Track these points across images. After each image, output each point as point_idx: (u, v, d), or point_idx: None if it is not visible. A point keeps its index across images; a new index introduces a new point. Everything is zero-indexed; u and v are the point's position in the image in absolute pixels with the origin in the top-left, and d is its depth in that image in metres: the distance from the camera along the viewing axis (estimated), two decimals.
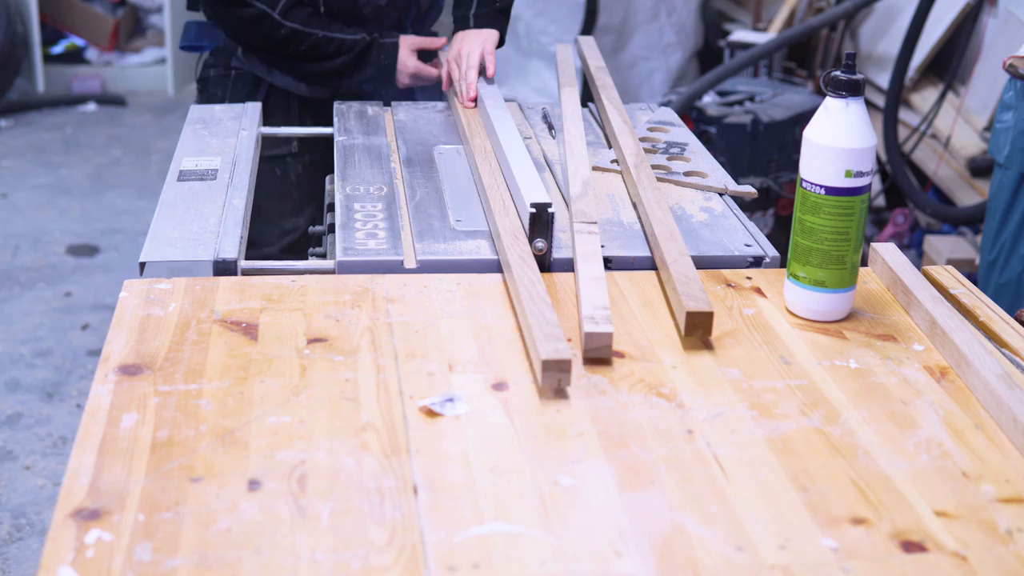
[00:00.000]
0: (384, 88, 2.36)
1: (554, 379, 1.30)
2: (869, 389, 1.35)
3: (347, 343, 1.40)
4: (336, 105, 2.26)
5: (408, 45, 2.32)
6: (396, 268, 1.61)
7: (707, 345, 1.43)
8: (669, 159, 2.01)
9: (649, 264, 1.64)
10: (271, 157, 2.40)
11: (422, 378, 1.33)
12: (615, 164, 1.97)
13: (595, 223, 1.66)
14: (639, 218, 1.76)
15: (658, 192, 1.75)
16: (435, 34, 2.52)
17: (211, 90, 2.45)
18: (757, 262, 1.67)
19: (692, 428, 1.25)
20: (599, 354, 1.38)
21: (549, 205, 1.60)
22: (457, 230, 1.71)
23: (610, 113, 2.08)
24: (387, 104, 2.30)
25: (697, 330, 1.43)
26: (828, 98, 1.45)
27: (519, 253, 1.55)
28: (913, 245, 4.06)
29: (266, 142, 2.34)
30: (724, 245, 1.69)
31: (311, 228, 2.06)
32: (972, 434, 1.27)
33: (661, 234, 1.62)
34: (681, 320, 1.43)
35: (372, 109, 2.25)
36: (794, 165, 3.75)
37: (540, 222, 1.60)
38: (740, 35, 4.72)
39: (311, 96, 2.39)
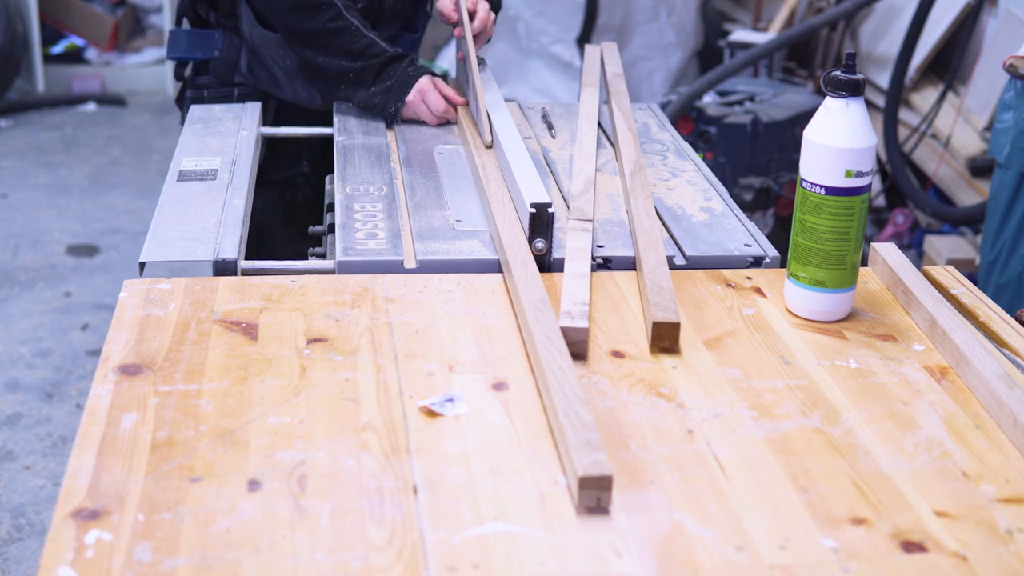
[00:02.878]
0: (386, 110, 2.18)
1: (593, 497, 1.11)
2: (869, 389, 1.35)
3: (347, 343, 1.40)
4: (336, 105, 2.26)
5: (434, 80, 2.18)
6: (396, 268, 1.61)
7: (707, 345, 1.43)
8: None
9: None
10: (282, 181, 2.33)
11: (422, 378, 1.33)
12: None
13: (590, 220, 1.67)
14: (629, 225, 1.76)
15: (648, 200, 1.75)
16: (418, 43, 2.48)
17: None
18: (757, 262, 1.67)
19: (692, 428, 1.25)
20: (574, 348, 1.39)
21: (549, 205, 1.60)
22: (457, 230, 1.71)
23: (616, 119, 2.08)
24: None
25: (664, 340, 1.41)
26: (828, 98, 1.45)
27: (543, 326, 1.38)
28: (913, 245, 4.06)
29: (276, 165, 2.29)
30: (724, 245, 1.69)
31: (311, 228, 2.06)
32: (972, 434, 1.26)
33: (643, 243, 1.61)
34: (648, 329, 1.43)
35: None
36: (794, 165, 3.75)
37: (540, 222, 1.60)
38: (740, 35, 4.72)
39: (323, 109, 2.28)
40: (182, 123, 2.26)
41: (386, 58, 2.16)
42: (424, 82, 2.16)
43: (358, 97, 2.19)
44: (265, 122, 2.30)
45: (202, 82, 2.34)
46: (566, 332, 1.39)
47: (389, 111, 2.16)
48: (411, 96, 2.15)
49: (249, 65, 2.29)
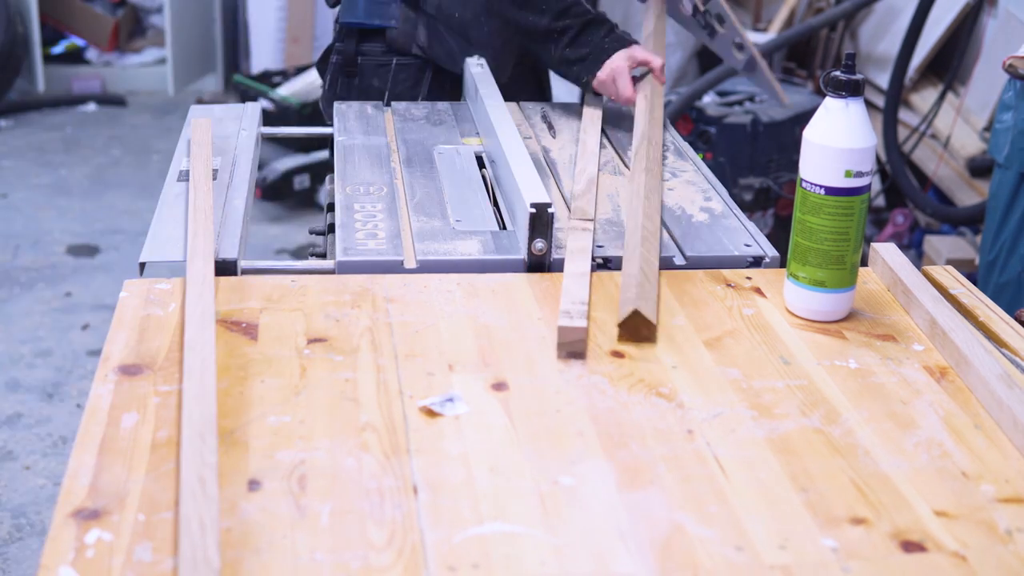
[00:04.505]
0: (580, 79, 2.19)
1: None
2: (869, 389, 1.35)
3: (347, 343, 1.40)
4: (336, 105, 2.26)
5: (633, 52, 2.18)
6: (396, 268, 1.61)
7: (707, 345, 1.43)
8: None
9: None
10: None
11: (422, 378, 1.33)
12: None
13: (591, 220, 1.67)
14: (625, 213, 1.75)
15: (652, 199, 1.73)
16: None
17: (367, 80, 2.32)
18: (757, 262, 1.67)
19: (692, 428, 1.26)
20: (573, 348, 1.39)
21: (549, 205, 1.60)
22: (457, 230, 1.71)
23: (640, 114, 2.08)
24: (387, 104, 2.28)
25: (633, 330, 1.41)
26: (828, 98, 1.45)
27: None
28: (913, 245, 4.06)
29: None
30: (724, 245, 1.70)
31: (311, 228, 2.06)
32: (972, 434, 1.27)
33: (631, 242, 1.61)
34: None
35: (372, 109, 2.25)
36: (794, 165, 3.75)
37: (540, 222, 1.60)
38: None
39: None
40: (322, 88, 2.33)
41: (587, 19, 2.19)
42: (619, 60, 2.15)
43: (554, 57, 2.20)
44: (420, 95, 2.34)
45: (365, 48, 2.35)
46: (564, 332, 1.39)
47: (581, 81, 2.19)
48: (604, 74, 2.15)
49: (428, 39, 2.32)
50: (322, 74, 2.43)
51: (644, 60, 2.16)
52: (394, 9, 2.33)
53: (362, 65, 2.35)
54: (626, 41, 2.19)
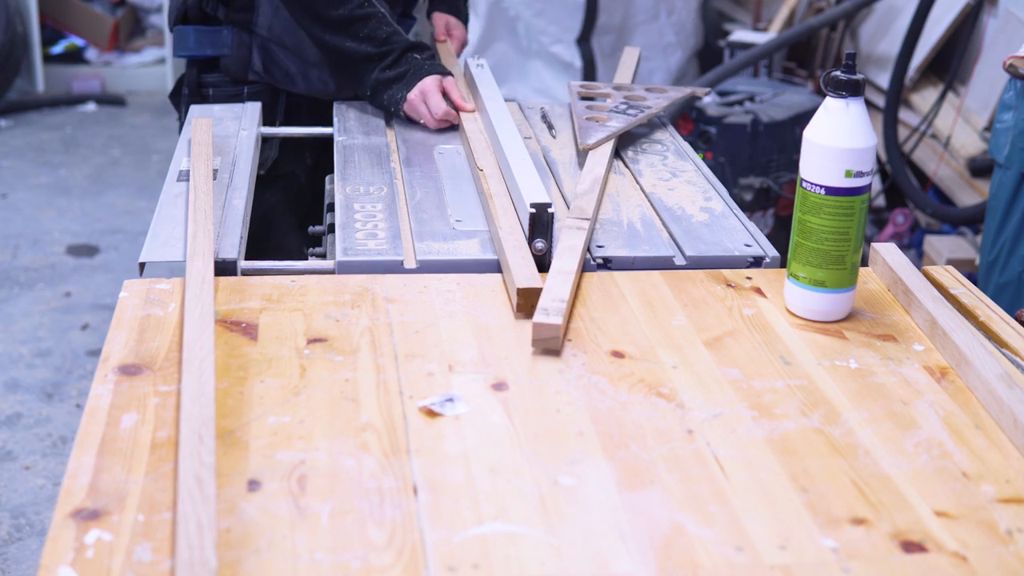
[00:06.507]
0: (393, 98, 2.18)
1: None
2: (869, 389, 1.35)
3: (347, 343, 1.40)
4: (336, 105, 2.26)
5: (443, 79, 2.19)
6: (396, 268, 1.61)
7: (707, 345, 1.43)
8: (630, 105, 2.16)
9: (649, 264, 1.64)
10: (287, 175, 2.33)
11: (422, 378, 1.33)
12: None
13: (587, 220, 1.67)
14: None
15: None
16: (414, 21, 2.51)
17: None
18: (757, 262, 1.67)
19: (692, 428, 1.25)
20: (548, 345, 1.39)
21: (549, 205, 1.60)
22: (457, 230, 1.71)
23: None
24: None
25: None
26: (828, 98, 1.45)
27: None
28: (913, 245, 4.06)
29: (283, 160, 2.30)
30: (724, 245, 1.69)
31: (311, 228, 2.06)
32: (972, 434, 1.27)
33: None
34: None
35: (372, 109, 2.25)
36: (794, 165, 3.75)
37: (540, 222, 1.60)
38: (740, 35, 4.72)
39: (335, 97, 2.29)
40: (179, 120, 2.26)
41: (408, 44, 2.18)
42: (429, 82, 2.14)
43: (372, 79, 2.17)
44: (277, 120, 2.30)
45: (209, 80, 2.32)
46: (539, 328, 1.39)
47: (396, 98, 2.16)
48: (412, 93, 2.14)
49: (263, 63, 2.28)
50: (176, 107, 2.36)
51: (450, 92, 2.16)
52: (226, 36, 2.28)
53: (215, 96, 2.30)
54: (444, 69, 2.20)
